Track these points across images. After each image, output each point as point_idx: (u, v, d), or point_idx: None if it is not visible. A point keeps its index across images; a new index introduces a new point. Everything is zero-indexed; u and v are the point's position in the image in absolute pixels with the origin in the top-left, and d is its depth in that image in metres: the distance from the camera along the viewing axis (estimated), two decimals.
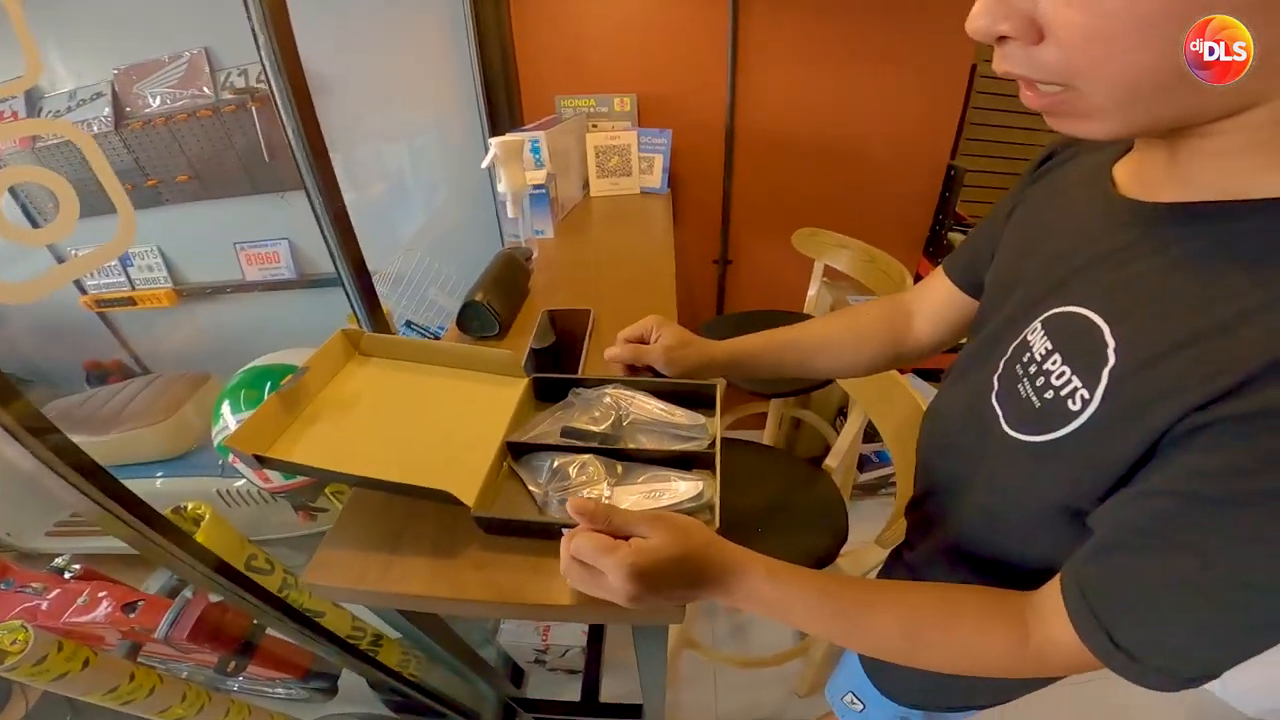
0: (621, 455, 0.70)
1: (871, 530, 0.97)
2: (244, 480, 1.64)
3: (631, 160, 1.79)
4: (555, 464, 0.69)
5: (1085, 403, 0.42)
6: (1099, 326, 0.42)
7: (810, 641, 1.45)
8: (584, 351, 0.95)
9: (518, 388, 0.81)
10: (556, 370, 0.90)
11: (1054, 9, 0.34)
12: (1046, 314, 0.48)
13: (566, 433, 0.73)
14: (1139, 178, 0.46)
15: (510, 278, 1.09)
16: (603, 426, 0.72)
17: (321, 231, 0.99)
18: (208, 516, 0.93)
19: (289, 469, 0.69)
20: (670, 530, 0.49)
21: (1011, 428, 0.49)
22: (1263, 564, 0.34)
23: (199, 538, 0.88)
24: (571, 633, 1.49)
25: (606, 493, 0.66)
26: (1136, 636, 0.39)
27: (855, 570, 1.03)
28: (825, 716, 1.22)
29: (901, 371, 0.96)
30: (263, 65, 0.83)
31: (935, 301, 0.75)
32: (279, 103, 0.86)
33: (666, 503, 0.64)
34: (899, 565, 0.77)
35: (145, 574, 1.65)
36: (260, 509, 1.70)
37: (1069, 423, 0.43)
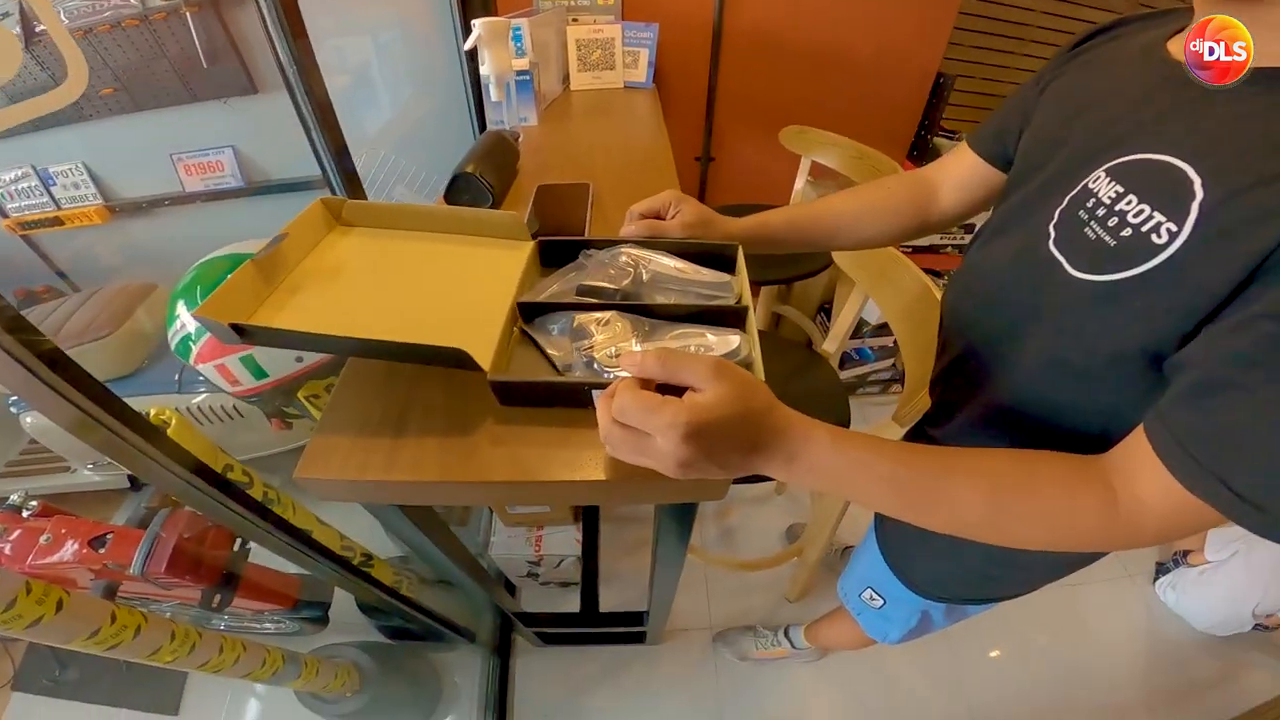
0: (647, 312, 0.65)
1: (859, 428, 0.96)
2: (205, 394, 1.54)
3: (616, 54, 1.69)
4: (576, 322, 0.64)
5: (1173, 235, 0.41)
6: (1179, 166, 0.42)
7: (805, 542, 1.47)
8: (587, 224, 0.89)
9: (523, 251, 0.74)
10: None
11: None
12: (1111, 163, 0.47)
13: (583, 290, 0.68)
14: None
15: (501, 154, 1.01)
16: (622, 284, 0.67)
17: (302, 120, 0.91)
18: (174, 421, 0.85)
19: (273, 340, 0.60)
20: (733, 384, 0.41)
21: (1081, 270, 0.47)
22: None
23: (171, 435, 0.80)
24: (566, 541, 1.47)
25: (638, 349, 0.61)
26: (1260, 482, 0.36)
27: None
28: (833, 613, 1.24)
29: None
30: None
31: (960, 173, 0.75)
32: None
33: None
34: (923, 441, 0.76)
35: (107, 513, 1.57)
36: (228, 426, 1.61)
37: (1155, 255, 0.42)
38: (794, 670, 1.52)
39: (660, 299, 0.69)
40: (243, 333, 0.59)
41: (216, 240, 2.03)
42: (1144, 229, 0.43)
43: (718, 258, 0.72)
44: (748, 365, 0.60)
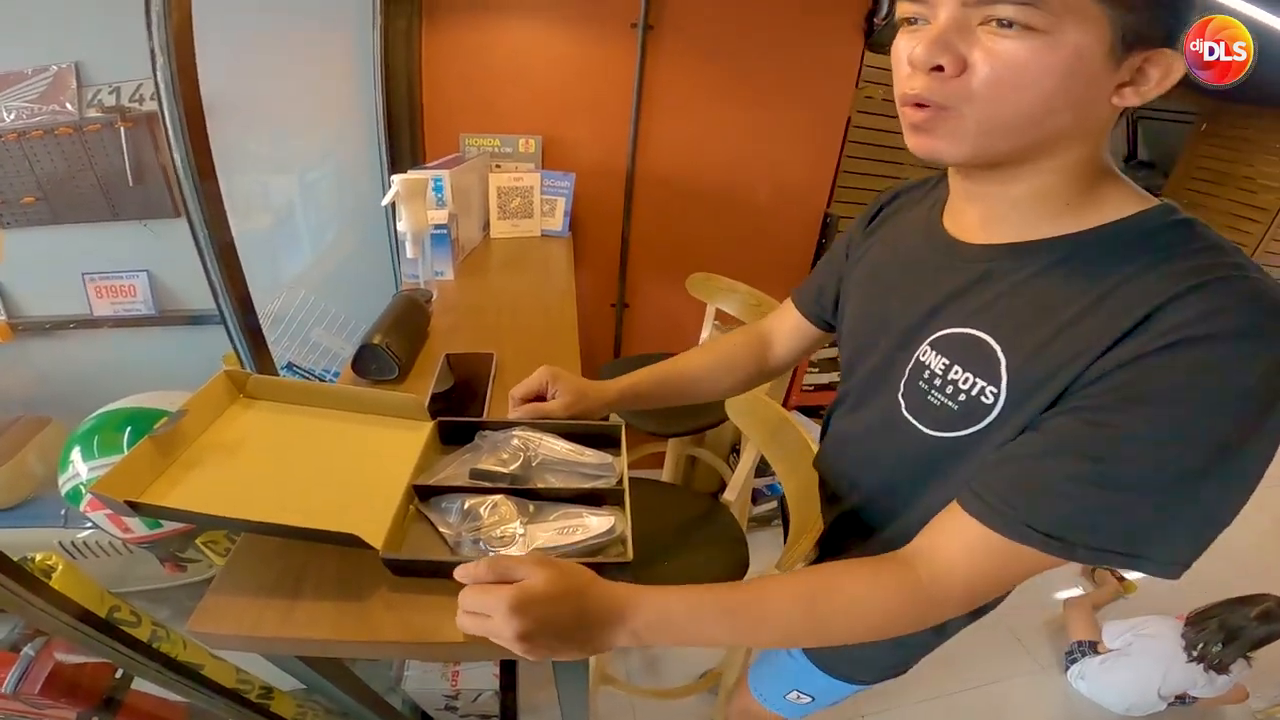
0: (533, 495, 0.71)
1: (769, 558, 1.02)
2: (90, 529, 1.46)
3: (534, 202, 1.81)
4: (466, 505, 0.69)
5: (995, 396, 0.52)
6: (983, 339, 0.53)
7: (724, 666, 1.48)
8: (488, 395, 0.95)
9: (422, 431, 0.79)
10: (459, 415, 0.89)
11: (983, 57, 0.44)
12: (932, 338, 0.58)
13: (476, 474, 0.73)
14: (961, 227, 0.59)
15: (410, 320, 1.07)
16: (512, 468, 0.73)
17: (203, 263, 0.93)
18: (60, 567, 0.83)
19: (167, 516, 0.65)
20: (554, 568, 0.51)
21: (934, 430, 0.58)
22: (1142, 422, 0.43)
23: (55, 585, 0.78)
24: (482, 676, 1.43)
25: (520, 531, 0.66)
26: (1051, 521, 0.46)
27: None
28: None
29: (787, 408, 1.05)
30: (156, 84, 0.79)
31: (787, 329, 0.90)
32: (168, 124, 0.82)
33: (580, 538, 0.65)
34: None
35: None
36: (116, 561, 1.53)
37: (988, 414, 0.52)
38: None
39: (551, 477, 0.75)
40: (137, 509, 0.62)
41: (120, 372, 1.96)
42: (974, 394, 0.53)
43: (603, 435, 0.80)
44: (621, 541, 0.67)
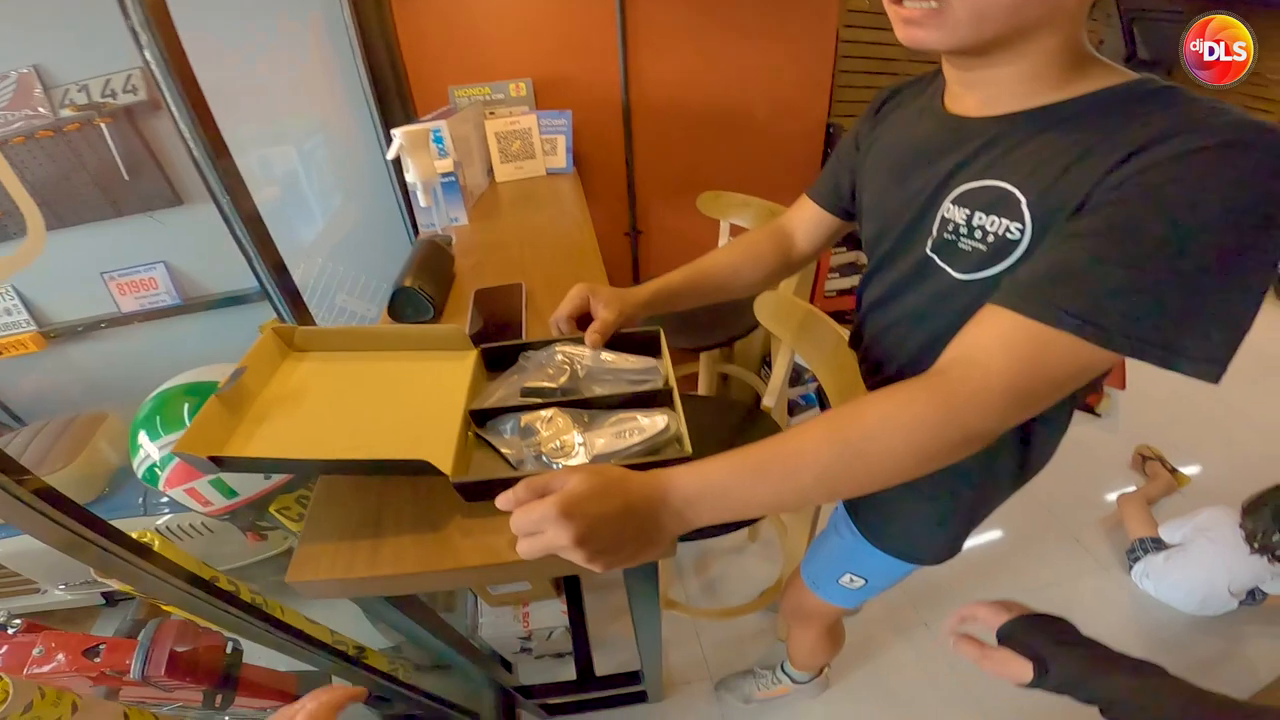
0: (585, 404, 0.73)
1: None
2: (169, 514, 1.53)
3: (534, 143, 1.80)
4: (522, 423, 0.71)
5: (1021, 231, 0.55)
6: (1001, 186, 0.56)
7: (783, 577, 1.52)
8: (523, 323, 0.96)
9: (468, 360, 0.81)
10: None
11: None
12: (952, 194, 0.61)
13: (526, 392, 0.75)
14: (964, 108, 0.63)
15: (436, 262, 1.08)
16: (560, 381, 0.75)
17: (235, 236, 0.95)
18: (157, 542, 0.89)
19: (250, 467, 0.67)
20: (587, 471, 0.51)
21: (966, 274, 0.61)
22: (1156, 211, 0.45)
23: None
24: (552, 614, 1.49)
25: (579, 440, 0.68)
26: (1082, 303, 0.47)
27: None
28: (792, 629, 1.29)
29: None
30: (148, 68, 0.79)
31: (807, 222, 0.92)
32: (172, 105, 0.83)
33: (638, 439, 0.68)
34: None
35: (84, 629, 1.52)
36: (199, 541, 1.59)
37: (1017, 248, 0.56)
38: (800, 705, 1.53)
39: (598, 388, 0.77)
40: (221, 463, 0.65)
41: (161, 362, 2.00)
42: (1000, 233, 0.56)
43: (643, 342, 0.81)
44: (678, 439, 0.69)
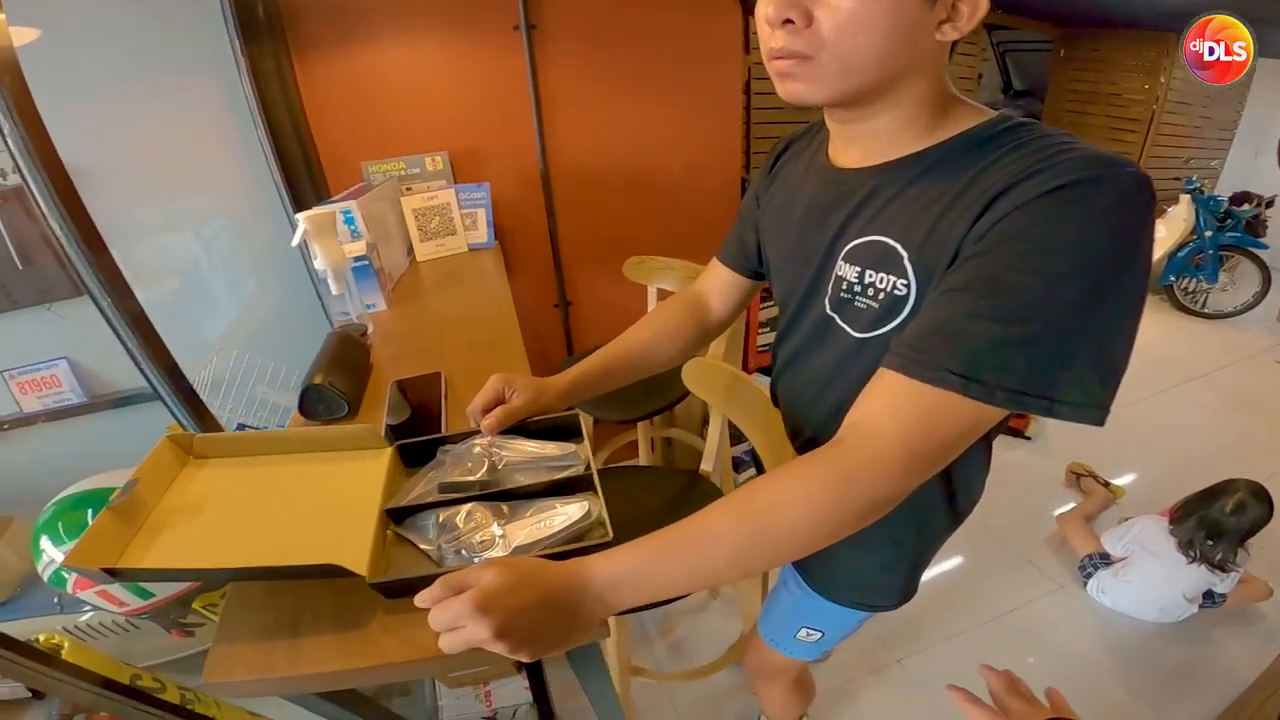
0: (505, 496, 0.71)
1: None
2: (90, 612, 1.43)
3: (454, 218, 1.78)
4: (441, 518, 0.69)
5: (907, 287, 0.58)
6: (882, 240, 0.60)
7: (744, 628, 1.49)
8: (443, 414, 0.94)
9: (383, 458, 0.78)
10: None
11: (825, 11, 0.51)
12: (843, 252, 0.64)
13: (445, 488, 0.73)
14: (847, 159, 0.67)
15: (348, 355, 1.05)
16: (479, 474, 0.73)
17: (119, 338, 0.89)
18: (66, 645, 0.82)
19: (145, 577, 0.65)
20: (498, 564, 0.51)
21: (863, 332, 0.64)
22: (1021, 257, 0.48)
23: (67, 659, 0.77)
24: (515, 692, 1.45)
25: (499, 532, 0.66)
26: (962, 361, 0.48)
27: None
28: (759, 684, 1.26)
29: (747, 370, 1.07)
30: (13, 159, 0.75)
31: (720, 286, 0.94)
32: (39, 197, 0.78)
33: (559, 526, 0.66)
34: None
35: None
36: (122, 638, 1.49)
37: (905, 305, 0.59)
38: None
39: (520, 477, 0.75)
40: (116, 574, 0.62)
41: (68, 461, 1.86)
42: (889, 290, 0.59)
43: (564, 427, 0.80)
44: (600, 523, 0.68)
